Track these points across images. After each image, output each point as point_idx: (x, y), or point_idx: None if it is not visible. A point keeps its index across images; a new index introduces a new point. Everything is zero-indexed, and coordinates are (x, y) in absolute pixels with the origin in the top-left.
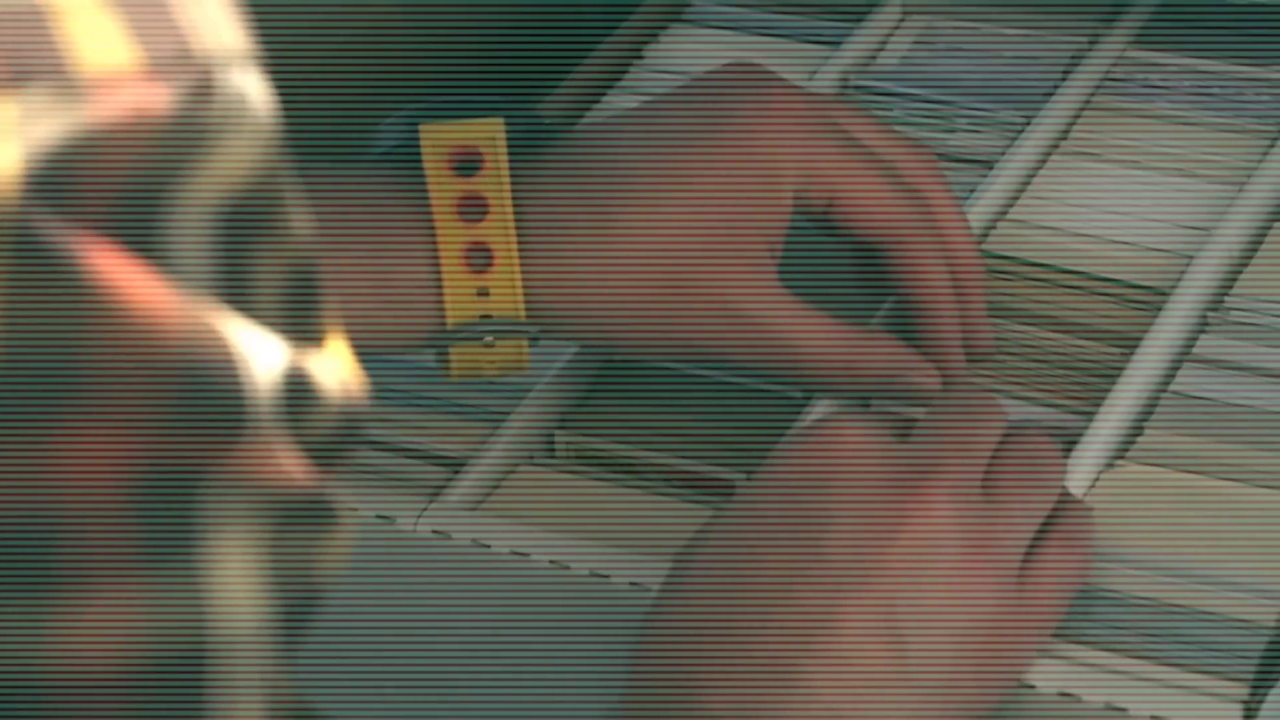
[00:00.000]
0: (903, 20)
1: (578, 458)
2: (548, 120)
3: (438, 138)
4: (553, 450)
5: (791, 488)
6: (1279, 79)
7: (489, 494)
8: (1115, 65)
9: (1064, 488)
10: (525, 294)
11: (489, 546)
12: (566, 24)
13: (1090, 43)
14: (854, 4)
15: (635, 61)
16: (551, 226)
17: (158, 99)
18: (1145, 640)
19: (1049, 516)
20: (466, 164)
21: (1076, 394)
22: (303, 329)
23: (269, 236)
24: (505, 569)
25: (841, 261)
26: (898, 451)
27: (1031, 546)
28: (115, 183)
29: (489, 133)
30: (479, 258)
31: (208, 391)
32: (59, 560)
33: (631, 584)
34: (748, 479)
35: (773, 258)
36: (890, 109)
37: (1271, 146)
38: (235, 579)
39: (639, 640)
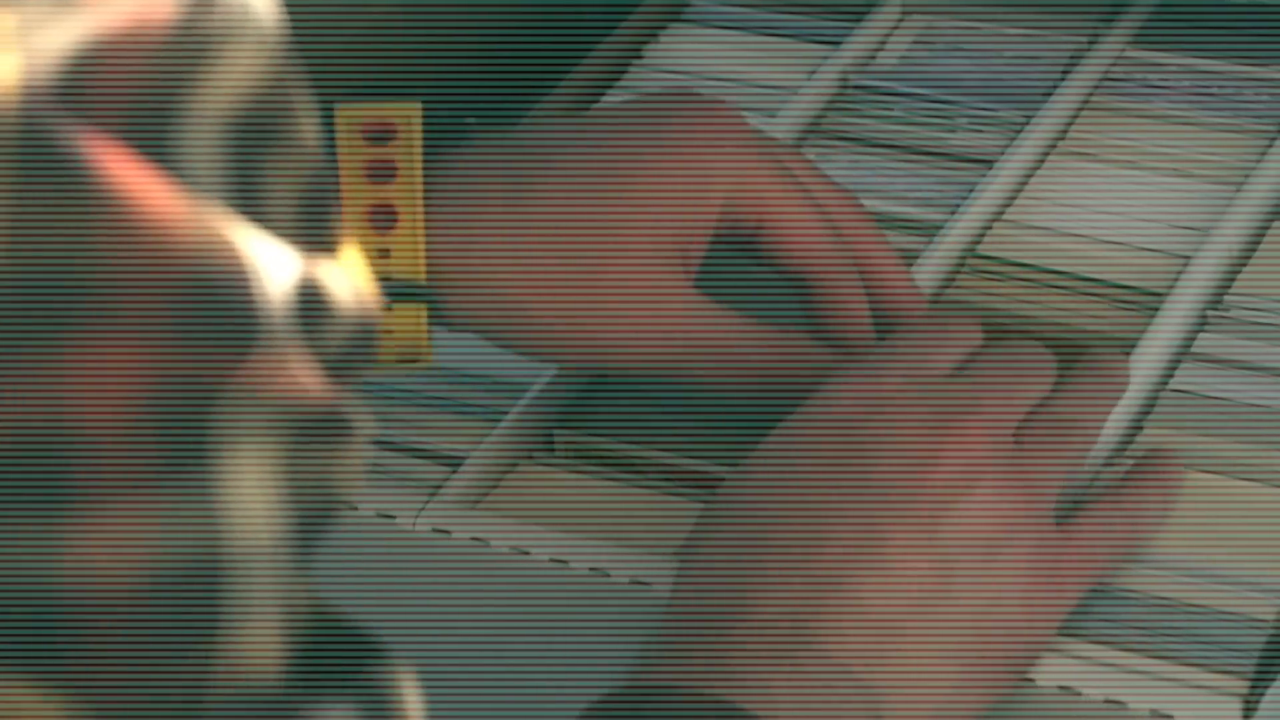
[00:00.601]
0: (902, 19)
1: (577, 455)
2: (474, 121)
3: (353, 114)
4: (552, 448)
5: (840, 414)
6: (1278, 79)
7: (488, 491)
8: (1114, 65)
9: (1160, 451)
10: (429, 261)
11: (488, 544)
12: (566, 23)
13: (1090, 42)
14: (854, 3)
15: (635, 61)
16: (463, 196)
17: (158, 7)
18: (1145, 635)
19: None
20: (379, 135)
21: None
22: (315, 239)
23: (279, 146)
24: (505, 566)
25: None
26: (940, 388)
27: (1089, 498)
28: (122, 91)
29: (405, 112)
30: (383, 218)
31: (221, 301)
32: (73, 475)
33: (632, 581)
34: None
35: (689, 262)
36: (890, 108)
37: (1270, 146)
38: (251, 493)
39: (684, 556)
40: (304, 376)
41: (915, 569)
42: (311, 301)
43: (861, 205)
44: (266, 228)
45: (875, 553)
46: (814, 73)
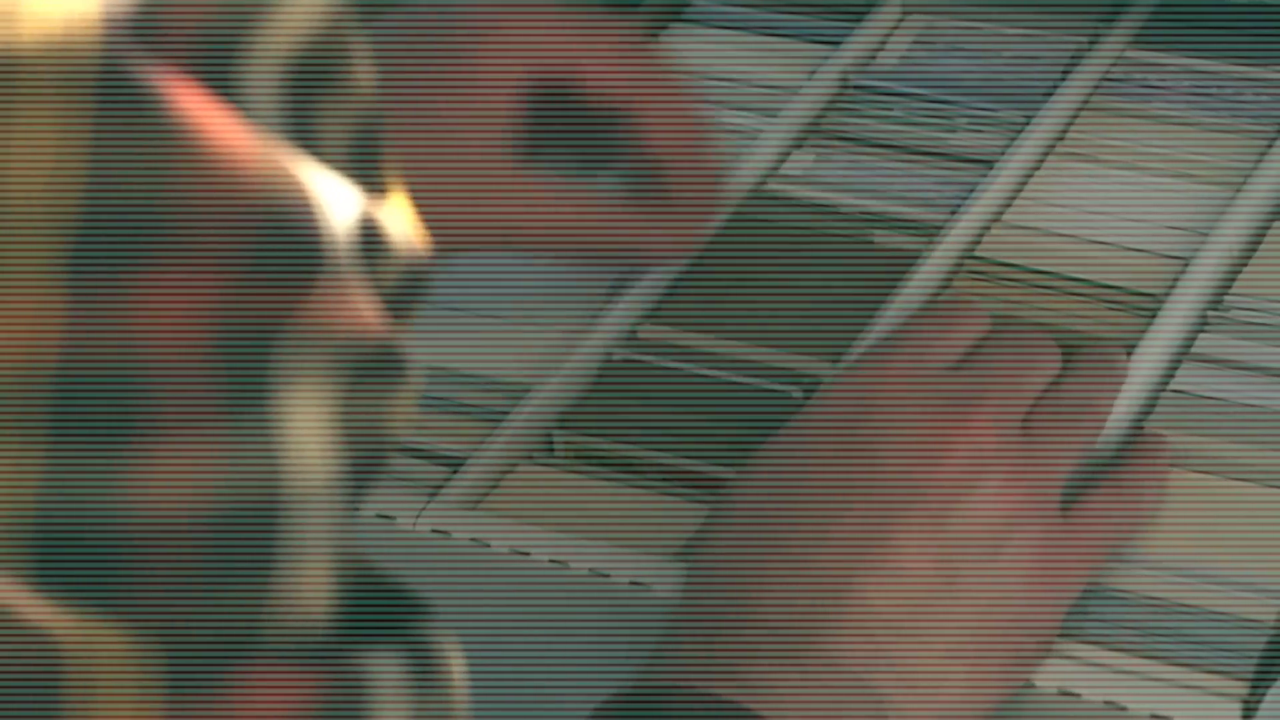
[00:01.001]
0: (903, 19)
1: (577, 456)
2: None
3: None
4: (552, 449)
5: (844, 411)
6: (1277, 80)
7: (488, 492)
8: (1114, 65)
9: (1149, 435)
10: None
11: (488, 545)
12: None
13: (1090, 43)
14: (854, 3)
15: None
16: None
17: None
18: (1145, 638)
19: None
20: None
21: None
22: (369, 179)
23: (336, 87)
24: (505, 567)
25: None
26: (946, 380)
27: (1086, 487)
28: (191, 29)
29: None
30: None
31: (288, 234)
32: (138, 409)
33: (631, 582)
34: (808, 399)
35: (504, 134)
36: (890, 108)
37: (1269, 147)
38: (309, 432)
39: (691, 557)
40: (366, 310)
41: (921, 568)
42: (370, 238)
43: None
44: (325, 165)
45: (880, 552)
46: (814, 72)
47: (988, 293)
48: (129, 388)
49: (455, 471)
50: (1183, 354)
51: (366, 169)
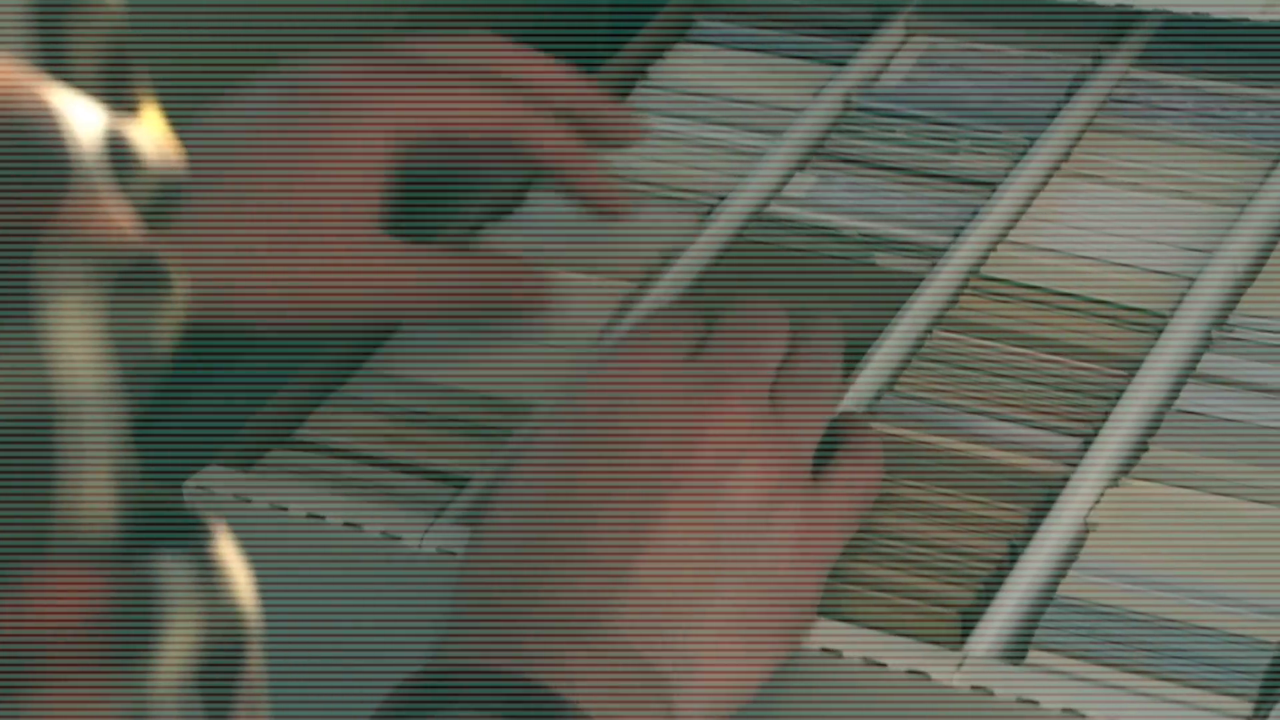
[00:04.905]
0: (906, 40)
1: None
2: None
3: None
4: None
5: (598, 408)
6: None
7: None
8: (1118, 86)
9: (852, 412)
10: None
11: None
12: (573, 42)
13: (1094, 63)
14: (857, 24)
15: (640, 79)
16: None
17: None
18: (1149, 656)
19: (836, 433)
20: None
21: (1074, 416)
22: (119, 98)
23: (84, 7)
24: None
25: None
26: (690, 367)
27: (821, 462)
28: None
29: None
30: None
31: (32, 145)
32: None
33: None
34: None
35: (372, 209)
36: (893, 130)
37: (1274, 167)
38: (76, 341)
39: (472, 543)
40: (119, 217)
41: (689, 550)
42: (119, 151)
43: (554, 62)
44: (72, 85)
45: (651, 537)
46: (819, 91)
47: (993, 310)
48: None
49: (460, 490)
50: (1187, 373)
51: (117, 87)
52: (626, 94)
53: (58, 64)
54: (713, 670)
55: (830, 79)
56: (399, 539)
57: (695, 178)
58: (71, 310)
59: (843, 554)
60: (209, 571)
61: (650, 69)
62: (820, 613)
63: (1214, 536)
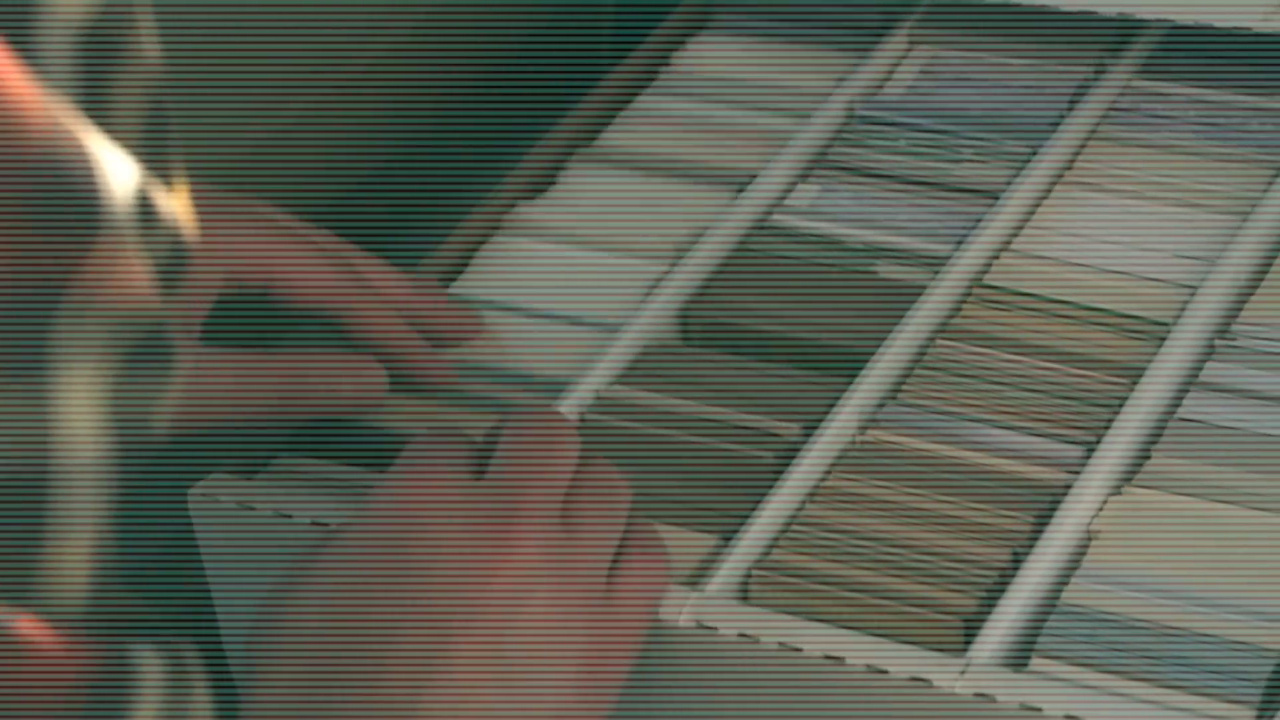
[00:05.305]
0: (909, 51)
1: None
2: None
3: None
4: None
5: (384, 537)
6: None
7: None
8: (1121, 96)
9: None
10: None
11: None
12: (580, 42)
13: (1096, 73)
14: (860, 34)
15: (664, 67)
16: None
17: None
18: (1152, 664)
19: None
20: None
21: (1077, 424)
22: (155, 161)
23: (125, 61)
24: None
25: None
26: (479, 489)
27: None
28: None
29: None
30: None
31: (68, 190)
32: None
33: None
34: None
35: (191, 328)
36: (895, 140)
37: (1276, 176)
38: (80, 407)
39: (256, 671)
40: (140, 279)
41: (482, 684)
42: (146, 210)
43: (395, 270)
44: (112, 136)
45: (442, 674)
46: (843, 79)
47: (996, 319)
48: None
49: None
50: (1190, 381)
51: (153, 150)
52: (651, 81)
53: (99, 113)
54: None
55: (853, 67)
56: None
57: (722, 160)
58: (81, 375)
59: (845, 561)
60: (176, 670)
61: (673, 57)
62: (823, 619)
63: (1216, 544)
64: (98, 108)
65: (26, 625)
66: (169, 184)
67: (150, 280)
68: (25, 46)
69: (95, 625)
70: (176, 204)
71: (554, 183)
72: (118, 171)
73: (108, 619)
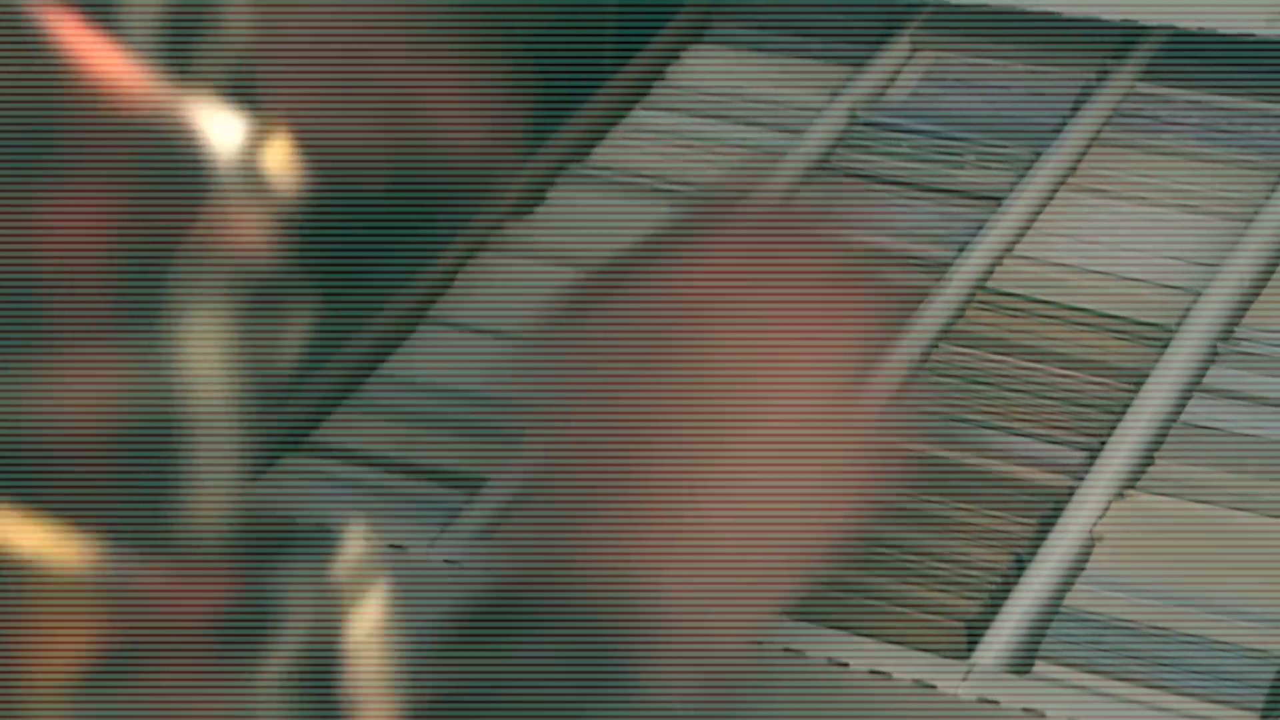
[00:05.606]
0: (912, 55)
1: None
2: None
3: None
4: None
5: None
6: None
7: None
8: (1124, 100)
9: None
10: None
11: None
12: (582, 49)
13: (1099, 77)
14: (863, 39)
15: (658, 80)
16: None
17: None
18: (1155, 668)
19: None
20: None
21: (1080, 429)
22: (250, 116)
23: (210, 29)
24: None
25: None
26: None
27: None
28: None
29: None
30: None
31: (174, 156)
32: (39, 325)
33: None
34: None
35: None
36: (898, 144)
37: (1279, 182)
38: (204, 353)
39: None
40: (253, 230)
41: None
42: (251, 168)
43: None
44: (207, 97)
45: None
46: (836, 93)
47: (999, 323)
48: (33, 301)
49: (474, 495)
50: (1193, 386)
51: (246, 105)
52: (646, 93)
53: (188, 79)
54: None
55: (848, 79)
56: (404, 549)
57: (716, 175)
58: (203, 322)
59: (848, 565)
60: (322, 585)
61: (667, 70)
62: (826, 624)
63: (1220, 549)
64: (189, 75)
65: (157, 575)
66: (267, 136)
67: (261, 229)
68: (113, 22)
69: (231, 561)
70: (278, 154)
71: (543, 200)
72: (219, 131)
73: (243, 551)
